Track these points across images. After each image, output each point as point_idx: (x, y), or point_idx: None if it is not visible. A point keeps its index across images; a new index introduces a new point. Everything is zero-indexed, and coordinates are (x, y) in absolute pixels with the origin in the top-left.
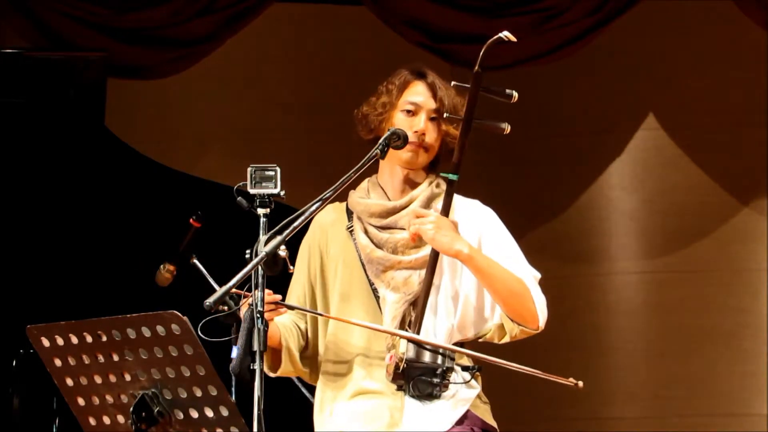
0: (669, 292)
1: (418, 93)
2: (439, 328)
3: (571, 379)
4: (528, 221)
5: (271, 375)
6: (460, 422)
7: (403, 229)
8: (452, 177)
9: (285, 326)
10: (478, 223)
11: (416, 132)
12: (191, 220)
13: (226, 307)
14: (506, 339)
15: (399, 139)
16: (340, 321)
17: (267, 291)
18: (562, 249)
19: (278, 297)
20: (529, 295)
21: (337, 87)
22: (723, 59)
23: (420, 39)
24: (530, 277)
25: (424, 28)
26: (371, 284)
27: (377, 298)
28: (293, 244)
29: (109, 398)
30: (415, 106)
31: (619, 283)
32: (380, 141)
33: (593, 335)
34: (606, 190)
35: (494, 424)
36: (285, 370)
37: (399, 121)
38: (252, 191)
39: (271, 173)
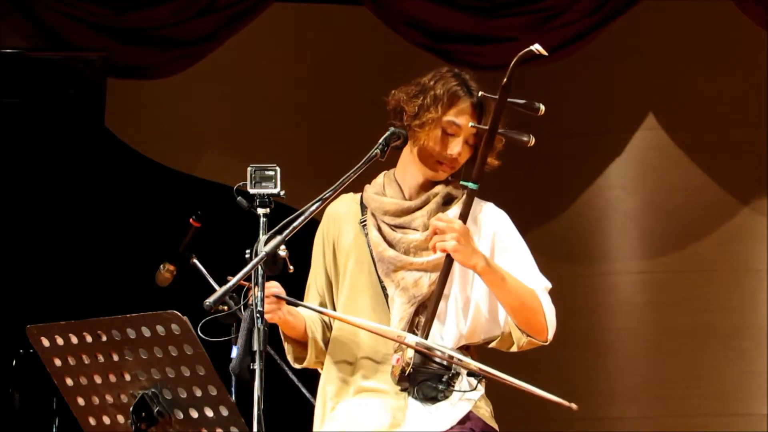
0: (669, 292)
1: (463, 113)
2: (446, 335)
3: (566, 402)
4: (528, 221)
5: (297, 366)
6: (462, 422)
7: (417, 230)
8: (472, 186)
9: (310, 317)
10: (492, 227)
11: (451, 155)
12: (191, 220)
13: (225, 307)
14: (513, 348)
15: (399, 139)
16: (347, 323)
17: (274, 283)
18: (561, 249)
19: (281, 291)
20: (540, 308)
21: (337, 87)
22: (723, 59)
23: (420, 39)
24: (541, 288)
25: (424, 28)
26: (381, 282)
27: (386, 296)
28: (293, 244)
29: (109, 398)
30: (456, 129)
31: (619, 283)
32: (380, 141)
33: (593, 335)
34: (606, 190)
35: (496, 426)
36: (310, 361)
37: (437, 136)
38: (252, 191)
39: (271, 173)
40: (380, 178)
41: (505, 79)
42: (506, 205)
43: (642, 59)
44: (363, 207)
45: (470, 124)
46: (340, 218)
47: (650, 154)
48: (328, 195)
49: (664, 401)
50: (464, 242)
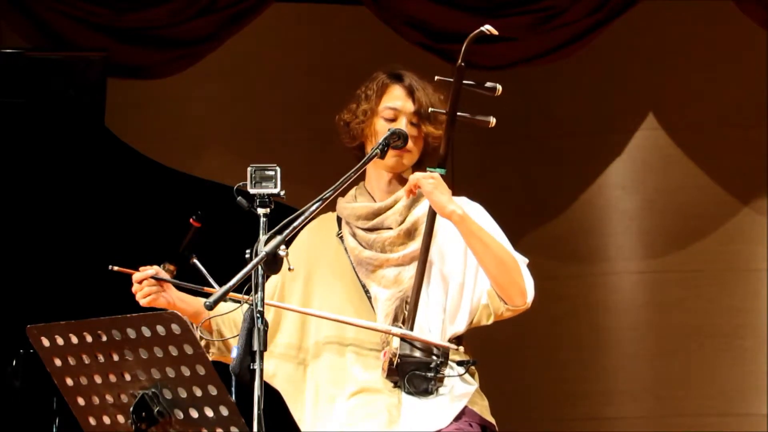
0: (669, 292)
1: (396, 97)
2: (433, 321)
3: (450, 344)
4: (528, 221)
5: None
6: (458, 418)
7: (390, 228)
8: (440, 171)
9: (227, 313)
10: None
11: None
12: (191, 220)
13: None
14: (491, 319)
15: (399, 139)
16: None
17: (155, 267)
18: (562, 249)
19: (162, 274)
20: (518, 269)
21: (337, 87)
22: (723, 59)
23: (420, 39)
24: (520, 258)
25: (424, 28)
26: (363, 286)
27: (369, 298)
28: None
29: (109, 398)
30: (394, 112)
31: (619, 283)
32: (380, 141)
33: (593, 335)
34: (606, 190)
35: (492, 420)
36: (218, 356)
37: (380, 127)
38: (252, 191)
39: (271, 173)
40: (352, 191)
41: (459, 61)
42: (506, 204)
43: (642, 59)
44: (339, 222)
45: (430, 109)
46: (317, 233)
47: (650, 154)
48: (328, 195)
49: (664, 401)
50: (442, 190)
